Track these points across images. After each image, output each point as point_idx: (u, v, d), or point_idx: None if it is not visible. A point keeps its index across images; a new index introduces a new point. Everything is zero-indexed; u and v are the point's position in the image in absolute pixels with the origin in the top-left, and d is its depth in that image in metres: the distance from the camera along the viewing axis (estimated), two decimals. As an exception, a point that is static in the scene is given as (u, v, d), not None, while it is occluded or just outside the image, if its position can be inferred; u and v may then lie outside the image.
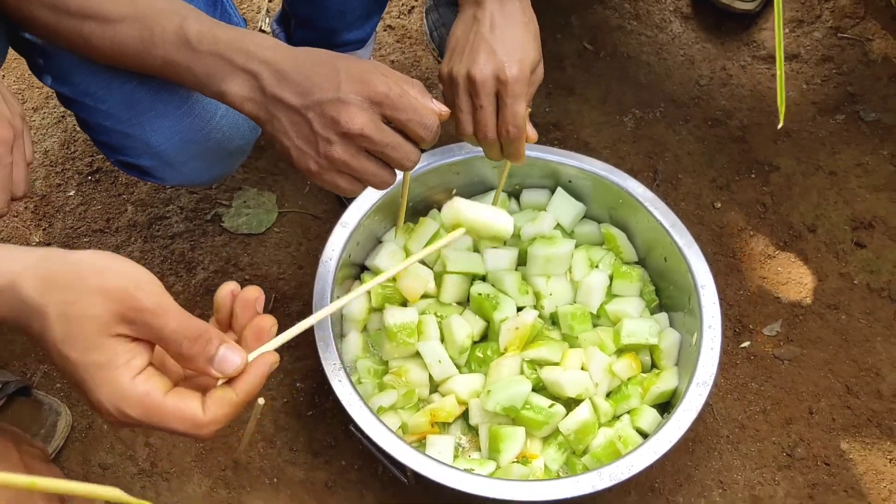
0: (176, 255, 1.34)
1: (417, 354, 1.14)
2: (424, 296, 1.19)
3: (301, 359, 1.25)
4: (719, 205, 1.45)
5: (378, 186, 0.90)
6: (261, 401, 0.96)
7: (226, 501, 1.13)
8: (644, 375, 1.15)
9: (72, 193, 1.39)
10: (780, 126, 0.92)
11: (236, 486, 1.15)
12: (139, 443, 1.17)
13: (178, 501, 1.13)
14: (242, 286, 1.22)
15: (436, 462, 0.97)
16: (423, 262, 1.21)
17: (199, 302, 1.29)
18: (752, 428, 1.25)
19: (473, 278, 1.20)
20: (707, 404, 1.16)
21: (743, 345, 1.31)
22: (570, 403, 1.11)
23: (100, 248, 1.33)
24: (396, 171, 0.86)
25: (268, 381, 1.26)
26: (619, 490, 1.18)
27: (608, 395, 1.14)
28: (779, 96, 0.92)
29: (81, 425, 1.17)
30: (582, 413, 1.08)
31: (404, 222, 1.15)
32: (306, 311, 1.30)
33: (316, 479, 1.16)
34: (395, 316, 1.12)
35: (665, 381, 1.12)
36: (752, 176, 1.48)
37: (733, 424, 1.25)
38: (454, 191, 1.26)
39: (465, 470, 0.98)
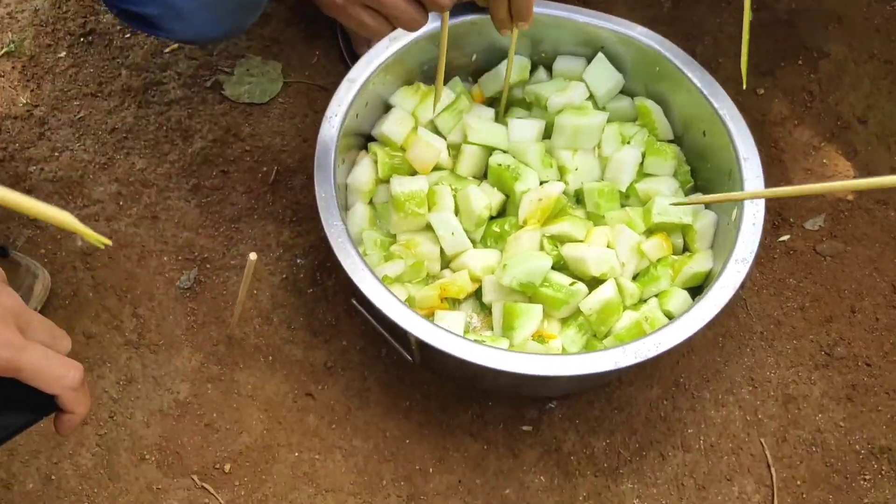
0: (172, 123, 1.24)
1: (428, 227, 1.04)
2: (436, 168, 1.09)
3: (303, 234, 1.16)
4: (762, 91, 1.33)
5: (407, 26, 0.85)
6: (252, 256, 0.88)
7: (216, 377, 1.06)
8: (675, 257, 1.05)
9: (62, 55, 1.29)
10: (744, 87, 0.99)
11: (229, 362, 1.07)
12: (126, 313, 1.09)
13: (165, 374, 1.05)
14: (242, 157, 1.13)
15: (444, 331, 0.88)
16: (436, 131, 1.10)
17: (195, 171, 1.20)
18: (789, 325, 1.15)
19: (493, 151, 1.10)
20: (741, 291, 1.06)
21: (782, 238, 1.21)
22: (594, 283, 1.01)
23: (91, 113, 1.24)
24: (429, 10, 0.80)
25: (266, 256, 1.17)
26: (641, 383, 1.10)
27: (635, 277, 1.04)
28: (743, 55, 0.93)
29: (65, 292, 1.09)
30: (606, 292, 0.99)
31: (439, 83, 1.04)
32: (309, 185, 1.20)
33: (315, 360, 1.08)
34: (403, 184, 1.02)
35: (699, 263, 1.02)
36: (799, 62, 1.36)
37: (768, 321, 1.15)
38: (474, 56, 1.15)
39: (477, 341, 0.89)
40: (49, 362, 0.57)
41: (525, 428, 1.06)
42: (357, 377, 1.07)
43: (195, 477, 0.99)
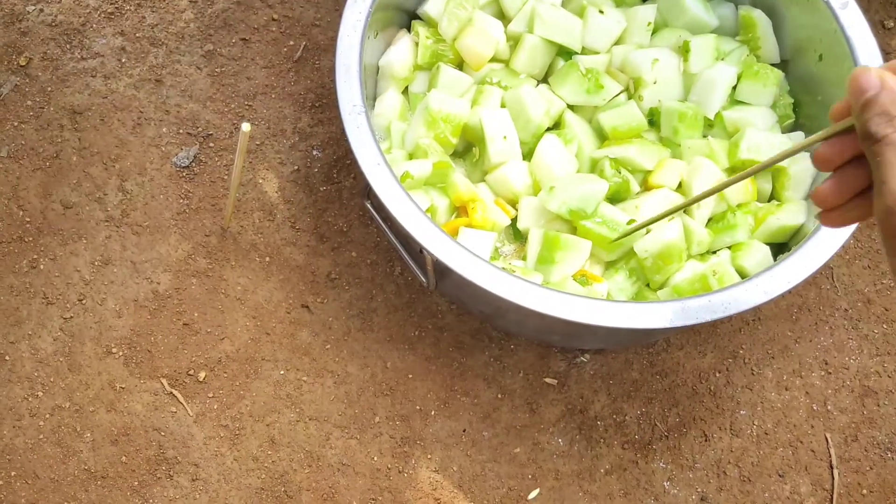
0: (193, -22, 1.07)
1: (458, 155, 0.88)
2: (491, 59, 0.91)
3: (324, 123, 1.00)
4: (891, 24, 1.10)
5: None
6: (246, 126, 0.72)
7: (203, 272, 0.92)
8: (759, 205, 0.87)
9: None
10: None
11: (219, 257, 0.93)
12: (112, 185, 0.95)
13: (146, 261, 0.92)
14: (267, 27, 0.96)
15: (466, 253, 0.72)
16: (499, 13, 0.92)
17: (211, 36, 1.04)
18: (881, 305, 0.96)
19: (560, 52, 0.92)
20: (831, 260, 0.88)
21: (888, 202, 1.01)
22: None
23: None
24: None
25: (277, 143, 1.02)
26: (692, 349, 0.93)
27: (708, 222, 0.86)
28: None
29: (48, 152, 0.96)
30: (669, 232, 0.81)
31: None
32: (340, 67, 1.03)
33: (317, 268, 0.93)
34: (444, 102, 0.84)
35: (788, 214, 0.84)
36: (943, -4, 1.13)
37: (856, 297, 0.97)
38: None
39: (505, 270, 0.73)
40: None
41: (549, 381, 0.90)
42: (362, 295, 0.92)
43: (164, 381, 0.87)
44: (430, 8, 0.90)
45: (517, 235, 0.88)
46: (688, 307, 0.71)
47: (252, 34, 1.04)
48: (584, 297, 0.71)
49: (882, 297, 0.97)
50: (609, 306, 0.71)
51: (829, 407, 0.92)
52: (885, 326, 0.95)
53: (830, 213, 0.52)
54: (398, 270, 0.93)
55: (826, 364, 0.93)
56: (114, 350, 0.88)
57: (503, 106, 0.88)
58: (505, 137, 0.84)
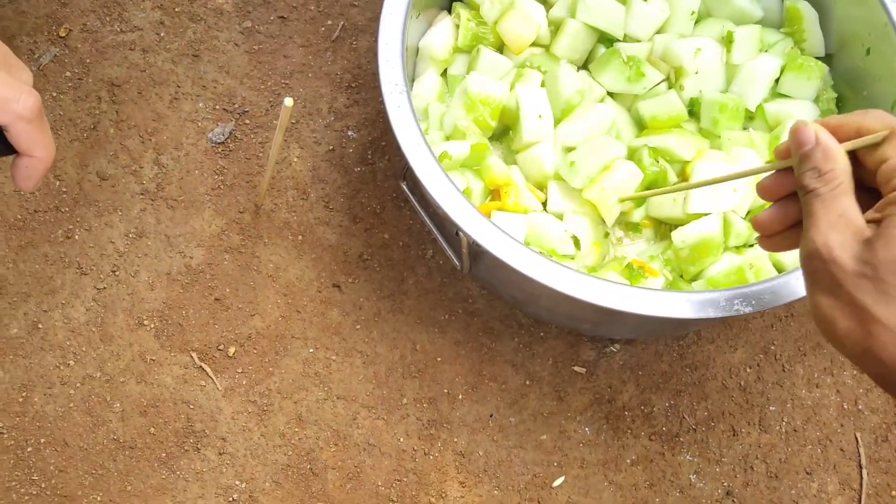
0: (233, -46, 1.07)
1: (494, 138, 0.87)
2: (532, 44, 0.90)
3: (360, 104, 1.00)
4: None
5: None
6: (288, 101, 0.72)
7: (236, 249, 0.92)
8: (799, 199, 0.85)
9: None
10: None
11: (252, 234, 0.93)
12: (147, 158, 0.95)
13: (179, 235, 0.92)
14: (306, 5, 0.95)
15: (504, 235, 0.72)
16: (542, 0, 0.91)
17: (250, 13, 1.04)
18: (916, 306, 0.95)
19: (601, 39, 0.91)
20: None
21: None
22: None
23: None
24: None
25: (312, 122, 1.02)
26: (723, 343, 0.92)
27: (747, 214, 0.85)
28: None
29: (85, 123, 0.96)
30: (708, 225, 0.80)
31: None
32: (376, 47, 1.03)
33: (349, 248, 0.93)
34: (483, 85, 0.84)
35: (829, 210, 0.82)
36: None
37: (891, 297, 0.95)
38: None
39: (542, 254, 0.72)
40: None
41: (577, 369, 0.90)
42: (394, 276, 0.92)
43: (194, 355, 0.87)
44: (473, -10, 0.90)
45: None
46: (727, 297, 0.70)
47: (290, 12, 1.04)
48: (618, 283, 0.71)
49: (918, 298, 0.95)
50: (645, 294, 0.70)
51: (859, 406, 0.91)
52: (920, 328, 0.94)
53: (769, 239, 0.59)
54: (430, 254, 0.93)
55: (858, 363, 0.92)
56: (145, 322, 0.88)
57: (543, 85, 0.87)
58: (540, 116, 0.83)
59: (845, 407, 0.90)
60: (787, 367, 0.92)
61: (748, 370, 0.91)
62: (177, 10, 1.03)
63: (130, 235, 0.92)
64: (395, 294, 0.91)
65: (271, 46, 1.02)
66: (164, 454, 0.83)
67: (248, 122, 0.98)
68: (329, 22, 1.04)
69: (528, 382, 0.89)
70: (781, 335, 0.93)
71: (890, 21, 0.82)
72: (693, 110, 0.90)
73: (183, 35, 1.02)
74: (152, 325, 0.88)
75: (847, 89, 0.90)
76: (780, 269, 0.82)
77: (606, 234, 0.85)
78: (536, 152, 0.83)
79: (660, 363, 0.91)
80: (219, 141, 0.97)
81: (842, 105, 0.91)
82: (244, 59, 1.01)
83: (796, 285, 0.72)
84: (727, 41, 0.89)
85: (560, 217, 0.84)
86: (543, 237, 0.81)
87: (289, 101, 0.70)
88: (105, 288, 0.89)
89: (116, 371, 0.86)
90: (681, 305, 0.70)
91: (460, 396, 0.88)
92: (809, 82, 0.89)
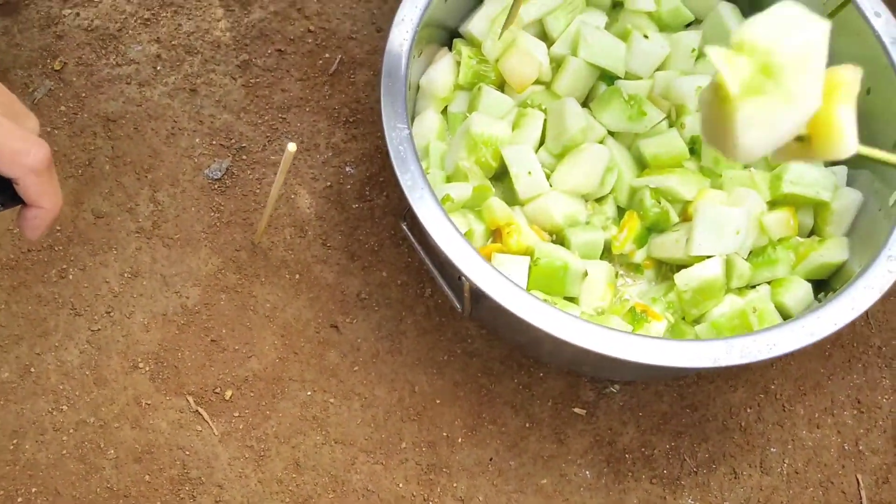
0: (230, -13, 1.06)
1: (496, 178, 0.87)
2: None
3: (358, 139, 0.99)
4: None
5: None
6: (291, 146, 0.71)
7: (233, 288, 0.91)
8: (801, 240, 0.85)
9: None
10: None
11: (249, 272, 0.92)
12: (144, 196, 0.94)
13: (175, 274, 0.90)
14: (303, 38, 0.95)
15: (507, 282, 0.71)
16: (542, 34, 0.91)
17: (247, 46, 1.03)
18: (916, 344, 0.95)
19: (602, 76, 0.90)
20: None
21: (927, 239, 0.99)
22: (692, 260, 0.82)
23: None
24: None
25: (310, 158, 1.01)
26: (723, 382, 0.91)
27: (749, 254, 0.85)
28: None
29: (80, 159, 0.95)
30: (711, 268, 0.80)
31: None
32: (374, 82, 1.02)
33: (347, 287, 0.92)
34: (485, 125, 0.83)
35: (831, 251, 0.82)
36: None
37: (890, 335, 0.95)
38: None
39: (546, 300, 0.71)
40: (4, 132, 0.47)
41: (577, 411, 0.89)
42: (392, 316, 0.91)
43: (190, 398, 0.86)
44: (474, 27, 0.89)
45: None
46: (731, 346, 0.70)
47: (287, 45, 1.04)
48: (623, 332, 0.70)
49: (918, 336, 0.95)
50: (650, 343, 0.69)
51: (860, 447, 0.90)
52: (920, 367, 0.94)
53: None
54: (428, 292, 0.92)
55: (859, 402, 0.92)
56: (140, 365, 0.87)
57: (545, 126, 0.87)
58: (530, 173, 0.83)
59: (846, 448, 0.90)
60: (787, 407, 0.91)
61: (748, 410, 0.91)
62: (173, 42, 1.02)
63: (125, 275, 0.90)
64: (394, 334, 0.90)
65: (268, 80, 1.02)
66: (159, 502, 0.81)
67: (244, 157, 0.97)
68: (327, 55, 1.04)
69: (527, 424, 0.88)
70: (781, 374, 0.93)
71: (891, 63, 0.82)
72: (694, 148, 0.89)
73: (179, 68, 1.01)
74: (147, 368, 0.87)
75: (847, 129, 0.90)
76: (783, 312, 0.82)
77: (617, 275, 0.85)
78: (542, 204, 0.82)
79: (660, 404, 0.90)
80: (215, 177, 0.96)
81: (841, 144, 0.91)
82: (241, 93, 1.00)
83: (806, 331, 0.71)
84: (728, 80, 0.89)
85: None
86: (552, 278, 0.80)
87: (292, 147, 0.69)
88: (99, 329, 0.88)
89: (111, 416, 0.84)
90: (683, 354, 0.69)
91: (459, 440, 0.87)
92: (810, 121, 0.88)
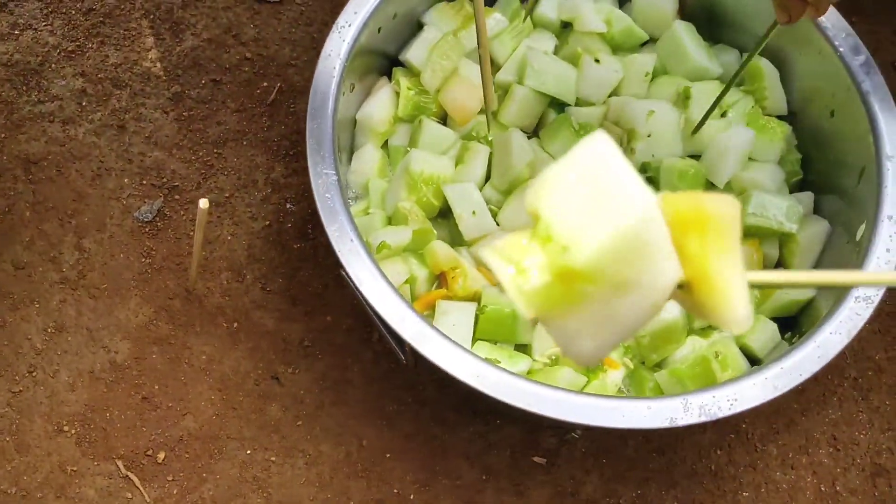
0: (162, 12, 1.00)
1: (441, 216, 0.81)
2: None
3: (299, 173, 0.93)
4: (905, 67, 1.04)
5: None
6: (203, 203, 0.65)
7: (165, 340, 0.85)
8: (767, 275, 0.80)
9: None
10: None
11: (183, 322, 0.86)
12: (68, 243, 0.88)
13: (103, 328, 0.85)
14: (240, 66, 0.89)
15: (446, 342, 0.65)
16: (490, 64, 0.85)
17: (179, 77, 0.97)
18: (893, 374, 0.90)
19: (552, 102, 0.85)
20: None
21: (902, 261, 0.94)
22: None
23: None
24: None
25: (247, 195, 0.95)
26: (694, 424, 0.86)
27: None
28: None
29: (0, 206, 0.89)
30: (669, 311, 0.75)
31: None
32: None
33: (289, 334, 0.86)
34: (426, 162, 0.78)
35: (798, 287, 0.77)
36: (960, 36, 1.06)
37: (866, 365, 0.90)
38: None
39: (488, 360, 0.66)
40: None
41: (537, 460, 0.84)
42: (337, 364, 0.85)
43: (120, 463, 0.80)
44: (413, 55, 0.84)
45: None
46: (689, 404, 0.65)
47: (223, 74, 0.98)
48: (570, 392, 0.65)
49: (894, 364, 0.90)
50: (599, 404, 0.64)
51: (837, 487, 0.85)
52: (897, 398, 0.89)
53: None
54: (376, 337, 0.87)
55: (834, 440, 0.87)
56: (66, 428, 0.81)
57: (491, 157, 0.82)
58: (474, 213, 0.77)
59: (823, 489, 0.85)
60: (759, 448, 0.86)
61: (719, 452, 0.86)
62: (100, 76, 0.96)
63: (49, 330, 0.84)
64: (339, 384, 0.85)
65: (203, 112, 0.96)
66: (85, 579, 0.76)
67: (177, 197, 0.91)
68: (265, 84, 0.98)
69: (484, 477, 0.83)
70: (752, 412, 0.87)
71: (856, 85, 0.77)
72: (651, 177, 0.84)
73: (106, 104, 0.95)
74: (73, 431, 0.81)
75: (812, 149, 0.85)
76: (748, 354, 0.77)
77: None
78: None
79: (625, 449, 0.85)
80: (146, 220, 0.90)
81: (808, 166, 0.86)
82: (173, 128, 0.94)
83: (770, 384, 0.66)
84: (683, 97, 0.84)
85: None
86: (501, 326, 0.75)
87: (203, 203, 0.64)
88: (21, 391, 0.82)
89: (33, 485, 0.78)
90: (634, 415, 0.64)
91: (411, 496, 0.81)
92: (773, 143, 0.84)
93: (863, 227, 0.73)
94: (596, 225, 0.36)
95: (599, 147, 0.37)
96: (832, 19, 0.78)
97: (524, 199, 0.39)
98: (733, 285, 0.37)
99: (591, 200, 0.36)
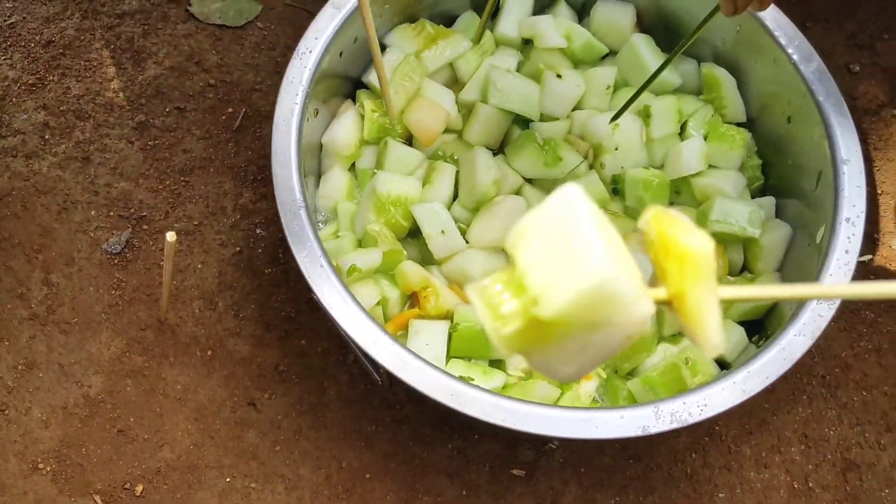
0: (122, 41, 1.00)
1: (411, 235, 0.82)
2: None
3: (268, 198, 0.93)
4: (857, 68, 1.07)
5: None
6: (171, 236, 0.65)
7: (139, 371, 0.84)
8: (731, 279, 0.82)
9: (-5, -56, 1.05)
10: None
11: (156, 353, 0.85)
12: (36, 279, 0.87)
13: (75, 363, 0.84)
14: (204, 93, 0.89)
15: (419, 362, 0.66)
16: (451, 78, 0.86)
17: (143, 106, 0.96)
18: (859, 371, 0.92)
19: (516, 119, 0.86)
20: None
21: (862, 258, 0.97)
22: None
23: (25, 19, 1.00)
24: None
25: (216, 223, 0.95)
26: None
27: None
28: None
29: (-38, 245, 0.88)
30: (639, 320, 0.76)
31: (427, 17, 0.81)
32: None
33: (264, 360, 0.86)
34: (392, 184, 0.79)
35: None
36: (908, 37, 1.09)
37: (833, 363, 0.92)
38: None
39: (462, 378, 0.67)
40: None
41: (516, 472, 0.84)
42: (313, 388, 0.86)
43: (98, 497, 0.79)
44: (376, 78, 0.84)
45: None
46: (660, 412, 0.66)
47: (187, 102, 0.97)
48: (550, 406, 0.66)
49: (860, 361, 0.92)
50: (572, 416, 0.65)
51: (810, 484, 0.87)
52: (864, 394, 0.91)
53: None
54: (351, 359, 0.87)
55: (805, 437, 0.89)
56: (41, 465, 0.80)
57: (457, 176, 0.83)
58: (443, 232, 0.78)
59: (796, 486, 0.87)
60: (733, 449, 0.88)
61: (693, 455, 0.87)
62: (62, 108, 0.96)
63: (19, 367, 0.83)
64: (317, 407, 0.85)
65: (168, 141, 0.95)
66: None
67: (146, 227, 0.91)
68: (230, 109, 0.98)
69: (464, 492, 0.83)
70: (725, 414, 0.89)
71: (810, 92, 0.79)
72: (617, 188, 0.85)
73: (70, 136, 0.94)
74: (49, 468, 0.80)
75: (772, 154, 0.87)
76: (716, 358, 0.78)
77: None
78: (459, 263, 0.78)
79: (602, 457, 0.86)
80: (115, 251, 0.89)
81: (768, 171, 0.88)
82: (139, 158, 0.94)
83: (738, 388, 0.68)
84: (644, 115, 0.85)
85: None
86: (474, 342, 0.76)
87: (171, 236, 0.64)
88: (-7, 430, 0.81)
89: (10, 526, 0.78)
90: (608, 425, 0.65)
91: (393, 516, 0.82)
92: (733, 150, 0.85)
93: (822, 229, 0.75)
94: (562, 282, 0.38)
95: (570, 201, 0.39)
96: (784, 27, 0.80)
97: (505, 242, 0.41)
98: (709, 315, 0.40)
99: (559, 256, 0.38)
